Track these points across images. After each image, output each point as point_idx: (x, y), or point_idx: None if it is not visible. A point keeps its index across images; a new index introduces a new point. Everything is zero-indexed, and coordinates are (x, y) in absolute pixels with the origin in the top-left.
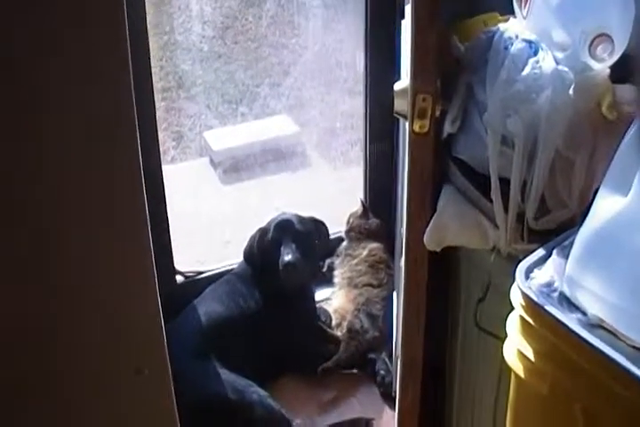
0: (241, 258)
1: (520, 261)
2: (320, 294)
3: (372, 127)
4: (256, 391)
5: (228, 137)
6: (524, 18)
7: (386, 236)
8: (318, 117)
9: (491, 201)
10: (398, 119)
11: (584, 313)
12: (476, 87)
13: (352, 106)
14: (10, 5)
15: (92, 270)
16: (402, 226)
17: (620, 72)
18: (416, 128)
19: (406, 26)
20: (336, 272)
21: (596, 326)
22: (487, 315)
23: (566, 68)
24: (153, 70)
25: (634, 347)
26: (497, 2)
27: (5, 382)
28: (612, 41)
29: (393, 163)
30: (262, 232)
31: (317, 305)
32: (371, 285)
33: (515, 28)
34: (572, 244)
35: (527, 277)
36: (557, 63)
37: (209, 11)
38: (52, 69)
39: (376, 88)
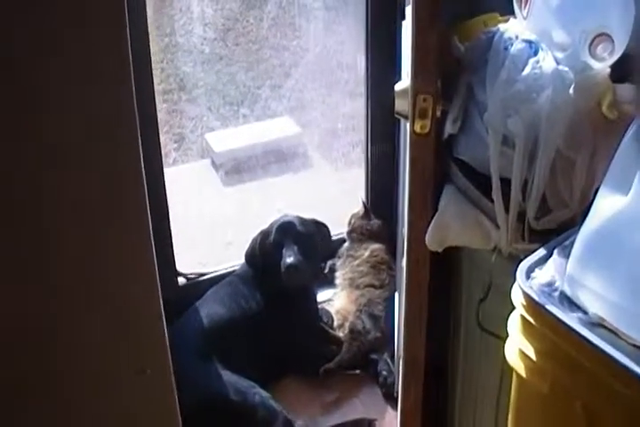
0: (243, 260)
1: (521, 260)
2: (322, 295)
3: (373, 128)
4: (258, 393)
5: (229, 139)
6: (524, 18)
7: (387, 236)
8: (319, 119)
9: (492, 201)
10: (399, 120)
11: (585, 312)
12: (476, 87)
13: (353, 107)
14: (9, 5)
15: (94, 272)
16: (403, 227)
17: (621, 71)
18: (417, 128)
19: (407, 27)
20: (338, 273)
21: (597, 324)
22: (489, 315)
23: (566, 68)
24: (154, 72)
25: (634, 345)
26: (497, 2)
27: (7, 383)
28: (612, 40)
29: (394, 164)
30: (264, 234)
31: (319, 306)
32: (372, 285)
33: (515, 29)
34: (572, 243)
35: (528, 276)
36: (558, 63)
37: (210, 13)
38: (53, 71)
39: (377, 89)
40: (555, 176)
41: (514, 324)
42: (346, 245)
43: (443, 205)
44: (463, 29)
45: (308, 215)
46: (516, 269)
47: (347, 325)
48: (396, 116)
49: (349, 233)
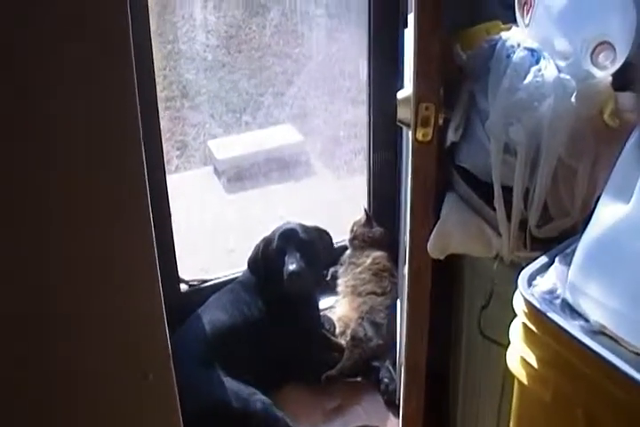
0: (245, 266)
1: (523, 268)
2: (324, 303)
3: (375, 136)
4: (260, 400)
5: (231, 146)
6: (526, 26)
7: (389, 244)
8: (322, 126)
9: (494, 209)
10: (401, 128)
11: (586, 320)
12: (478, 95)
13: (355, 115)
14: (11, 8)
15: (96, 278)
16: (405, 234)
17: (622, 80)
18: (419, 136)
19: (409, 34)
20: (340, 281)
21: (598, 332)
22: (490, 322)
23: (568, 76)
24: (157, 79)
25: (636, 353)
26: (499, 10)
27: (7, 384)
28: (614, 49)
29: (396, 171)
30: (267, 242)
31: (321, 313)
32: (374, 293)
33: (517, 37)
34: (574, 251)
35: (530, 284)
36: (559, 71)
37: (213, 20)
38: (55, 78)
39: (379, 97)
40: (556, 184)
41: (515, 331)
42: (348, 252)
43: (445, 212)
44: (465, 37)
45: (310, 223)
46: (517, 277)
47: (348, 332)
48: (399, 124)
49: (351, 240)
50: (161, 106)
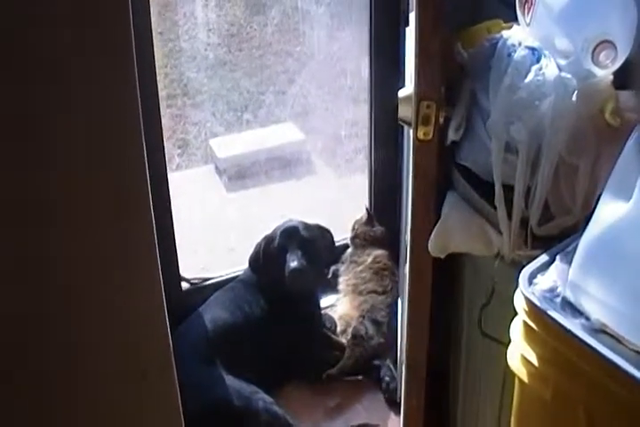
0: (246, 265)
1: (523, 266)
2: (325, 301)
3: (376, 135)
4: (261, 398)
5: (233, 144)
6: (528, 25)
7: (390, 243)
8: (323, 125)
9: (494, 207)
10: (403, 126)
11: (587, 318)
12: (479, 94)
13: (356, 113)
14: (12, 7)
15: (97, 277)
16: (406, 233)
17: (623, 78)
18: (420, 135)
19: (410, 33)
20: (341, 279)
21: (599, 330)
22: (491, 320)
23: (569, 75)
24: (158, 78)
25: (636, 351)
26: (500, 9)
27: (9, 384)
28: (615, 47)
29: (397, 170)
30: (268, 240)
31: (322, 312)
32: (375, 291)
33: (518, 36)
34: (575, 250)
35: (530, 282)
36: (560, 70)
37: (214, 18)
38: (56, 77)
39: (381, 95)
40: (557, 183)
41: (516, 329)
42: (349, 250)
43: (445, 211)
44: (466, 36)
45: (311, 221)
46: (518, 275)
47: (349, 330)
48: (400, 122)
49: (352, 239)
50: (162, 104)
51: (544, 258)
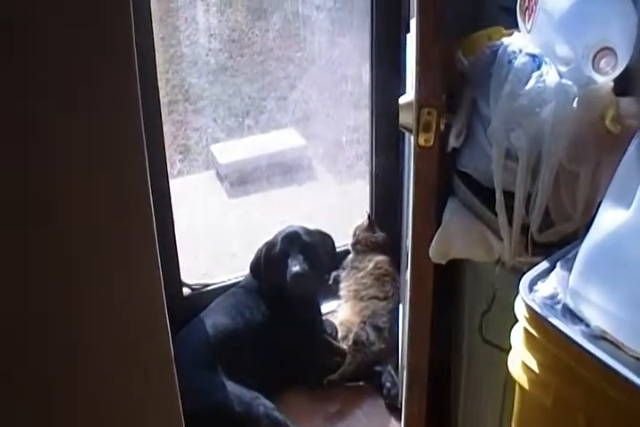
0: (247, 271)
1: (524, 273)
2: (326, 307)
3: (377, 141)
4: (262, 403)
5: (234, 150)
6: (528, 32)
7: (391, 249)
8: (324, 131)
9: (495, 214)
10: (404, 133)
11: (587, 325)
12: (480, 101)
13: (358, 119)
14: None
15: (99, 282)
16: (407, 239)
17: (624, 85)
18: (421, 142)
19: (411, 40)
20: (342, 285)
21: (599, 337)
22: (492, 327)
23: (570, 82)
24: (159, 83)
25: (636, 358)
26: (501, 16)
27: (9, 385)
28: (616, 54)
29: (398, 176)
30: (269, 245)
31: (323, 318)
32: (377, 297)
33: (519, 43)
34: (575, 256)
35: (531, 289)
36: (561, 77)
37: (215, 23)
38: (58, 83)
39: (382, 101)
40: (558, 189)
41: (517, 336)
42: (350, 256)
43: (446, 217)
44: (467, 43)
45: (312, 227)
46: (519, 282)
47: (351, 336)
48: (401, 129)
49: (354, 245)
50: (163, 110)
51: (544, 265)
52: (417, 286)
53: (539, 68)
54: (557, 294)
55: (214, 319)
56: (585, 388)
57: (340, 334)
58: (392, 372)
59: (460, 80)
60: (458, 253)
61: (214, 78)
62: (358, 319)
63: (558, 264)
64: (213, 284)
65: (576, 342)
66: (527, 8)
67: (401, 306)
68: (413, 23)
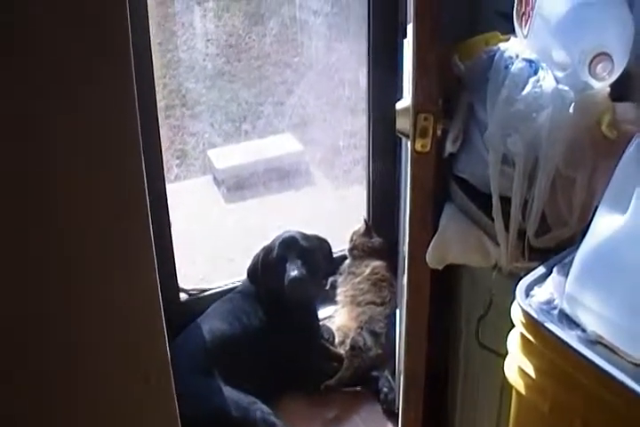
0: (244, 276)
1: (521, 278)
2: (323, 312)
3: (374, 146)
4: (260, 409)
5: (231, 155)
6: (525, 37)
7: (388, 254)
8: (321, 136)
9: (492, 219)
10: (401, 138)
11: (583, 330)
12: (476, 106)
13: (355, 124)
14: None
15: (96, 287)
16: (404, 244)
17: (620, 90)
18: (418, 147)
19: (408, 45)
20: (339, 290)
21: (596, 342)
22: (488, 332)
23: (566, 87)
24: (156, 88)
25: (633, 363)
26: (498, 21)
27: (8, 387)
28: (612, 60)
29: (395, 181)
30: (267, 250)
31: (321, 323)
32: (374, 303)
33: (515, 48)
34: (572, 262)
35: (527, 294)
36: (557, 82)
37: (212, 29)
38: (55, 88)
39: (379, 107)
40: (554, 195)
41: (513, 341)
42: (347, 262)
43: (443, 223)
44: (464, 48)
45: (309, 232)
46: (515, 287)
47: (348, 342)
48: (398, 134)
49: (351, 250)
50: (160, 115)
51: (541, 270)
52: (414, 291)
53: (535, 73)
54: (554, 300)
55: (211, 325)
56: (581, 393)
57: (337, 340)
58: (389, 377)
59: (457, 85)
60: (454, 258)
61: (211, 83)
62: (355, 325)
63: (555, 269)
64: (210, 289)
65: (572, 348)
66: (524, 13)
67: (398, 311)
68: (410, 28)
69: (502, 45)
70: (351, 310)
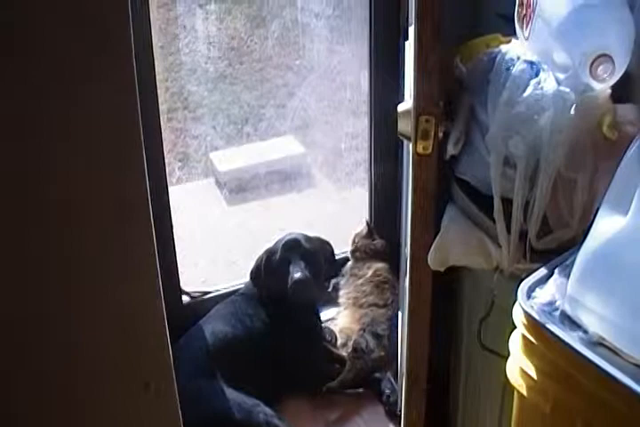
0: (247, 278)
1: (522, 280)
2: (325, 314)
3: (376, 148)
4: (262, 411)
5: (233, 158)
6: (526, 39)
7: (390, 256)
8: (323, 138)
9: (493, 221)
10: (403, 140)
11: (585, 331)
12: (478, 108)
13: (357, 126)
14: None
15: (98, 290)
16: (406, 246)
17: (621, 92)
18: (419, 149)
19: (409, 47)
20: (341, 292)
21: (597, 343)
22: (490, 333)
23: (567, 89)
24: (158, 91)
25: (634, 364)
26: (499, 23)
27: (6, 393)
28: (613, 61)
29: (397, 183)
30: (269, 253)
31: (323, 325)
32: (376, 305)
33: (516, 50)
34: (573, 263)
35: (529, 296)
36: (559, 84)
37: (214, 31)
38: (56, 90)
39: (380, 109)
40: (556, 196)
41: (515, 343)
42: (349, 264)
43: (445, 224)
44: (465, 50)
45: (311, 234)
46: (517, 289)
47: (350, 343)
48: (399, 136)
49: (353, 252)
50: (163, 118)
51: (543, 271)
52: (416, 292)
53: (536, 75)
54: (555, 301)
55: (214, 327)
56: (583, 394)
57: (339, 342)
58: (391, 379)
59: (458, 87)
60: (456, 260)
61: (213, 86)
62: (358, 327)
63: (556, 271)
64: (213, 291)
65: (574, 349)
66: (525, 15)
67: (400, 313)
68: (412, 31)
69: (503, 47)
70: (353, 312)
